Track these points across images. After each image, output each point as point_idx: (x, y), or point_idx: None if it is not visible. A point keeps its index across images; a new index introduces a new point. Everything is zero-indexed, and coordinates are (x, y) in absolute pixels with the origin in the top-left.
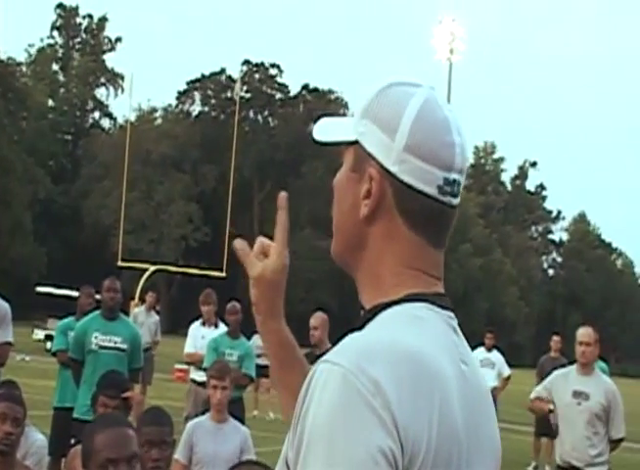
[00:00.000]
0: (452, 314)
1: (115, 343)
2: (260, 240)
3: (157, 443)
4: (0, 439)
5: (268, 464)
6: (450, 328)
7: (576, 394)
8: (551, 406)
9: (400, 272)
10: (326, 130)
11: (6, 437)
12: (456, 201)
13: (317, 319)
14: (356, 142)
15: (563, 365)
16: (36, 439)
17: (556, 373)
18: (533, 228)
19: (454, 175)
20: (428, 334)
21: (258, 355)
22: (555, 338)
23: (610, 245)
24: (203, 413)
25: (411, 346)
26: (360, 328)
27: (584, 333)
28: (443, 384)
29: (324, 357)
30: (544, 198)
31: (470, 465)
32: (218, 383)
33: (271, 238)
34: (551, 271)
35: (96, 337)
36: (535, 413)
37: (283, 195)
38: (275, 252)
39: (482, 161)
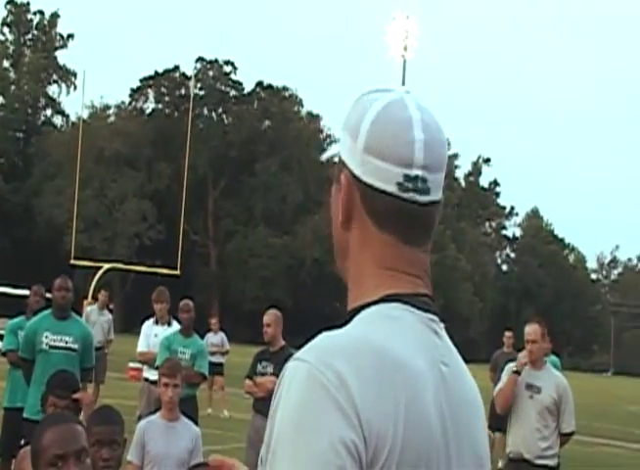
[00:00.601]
0: (434, 317)
1: (66, 342)
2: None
3: (107, 442)
4: None
5: None
6: (429, 329)
7: (529, 387)
8: (515, 368)
9: (378, 274)
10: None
11: None
12: (424, 197)
13: (270, 316)
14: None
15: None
16: None
17: (509, 365)
18: (487, 224)
19: (416, 171)
20: (400, 332)
21: (212, 353)
22: (507, 333)
23: (562, 240)
24: (154, 412)
25: (378, 342)
26: (338, 328)
27: (529, 331)
28: (413, 380)
29: (294, 356)
30: (498, 194)
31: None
32: (169, 381)
33: (225, 236)
34: (505, 267)
35: (46, 336)
36: (505, 402)
37: (213, 460)
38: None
39: None
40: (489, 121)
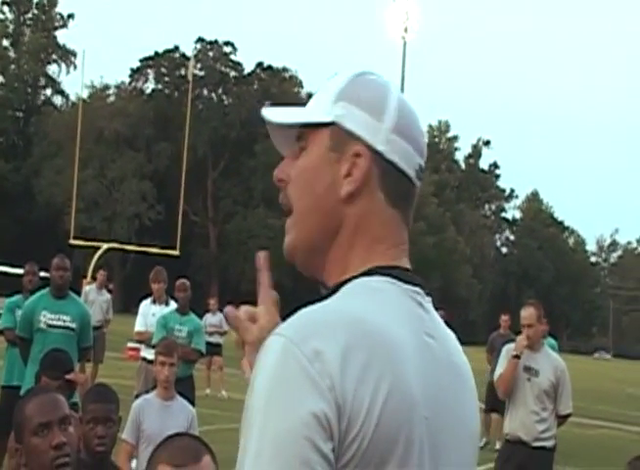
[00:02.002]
0: (419, 289)
1: (64, 322)
2: (245, 309)
3: (102, 420)
4: None
5: (219, 442)
6: (414, 302)
7: (527, 369)
8: (514, 352)
9: (369, 248)
10: (283, 113)
11: None
12: (419, 183)
13: None
14: (331, 124)
15: (512, 341)
16: None
17: (507, 347)
18: (487, 206)
19: (422, 161)
20: (381, 303)
21: (210, 334)
22: (503, 317)
23: (562, 223)
24: (151, 390)
25: (357, 313)
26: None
27: (525, 315)
28: (393, 351)
29: (272, 331)
30: (497, 176)
31: (436, 446)
32: (166, 359)
33: (225, 216)
34: (504, 249)
35: (44, 315)
36: (507, 387)
37: (261, 255)
38: (267, 312)
39: (436, 139)
40: (490, 104)
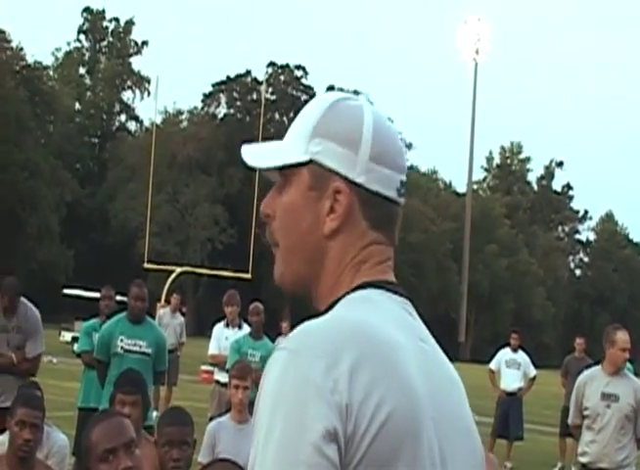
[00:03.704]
0: (407, 301)
1: (140, 347)
2: None
3: (177, 443)
4: (19, 446)
5: None
6: (405, 311)
7: (605, 396)
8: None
9: (358, 268)
10: (262, 156)
11: (25, 443)
12: (402, 199)
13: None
14: (309, 162)
15: (588, 366)
16: (58, 439)
17: (580, 379)
18: (560, 228)
19: (404, 177)
20: (376, 312)
21: None
22: (578, 340)
23: (637, 244)
24: (225, 414)
25: (356, 320)
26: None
27: (626, 340)
28: (395, 354)
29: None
30: (571, 198)
31: (443, 445)
32: (240, 383)
33: None
34: (578, 271)
35: (121, 340)
36: (576, 435)
37: None
38: None
39: (508, 161)
40: (562, 124)
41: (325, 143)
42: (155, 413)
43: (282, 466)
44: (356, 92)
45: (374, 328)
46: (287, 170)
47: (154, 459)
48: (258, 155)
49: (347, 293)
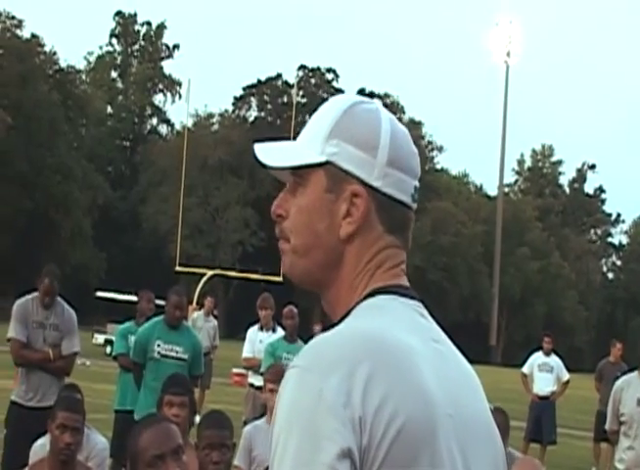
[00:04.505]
0: (419, 303)
1: (177, 352)
2: None
3: (217, 446)
4: (61, 449)
5: None
6: (417, 313)
7: None
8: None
9: (372, 273)
10: (277, 155)
11: (67, 447)
12: (415, 205)
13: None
14: (325, 163)
15: (624, 372)
16: (97, 442)
17: (617, 384)
18: (592, 231)
19: (417, 182)
20: (389, 317)
21: None
22: (618, 345)
23: None
24: (260, 417)
25: (368, 329)
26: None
27: None
28: (407, 359)
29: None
30: (603, 201)
31: (463, 441)
32: (275, 386)
33: None
34: (610, 275)
35: (158, 345)
36: (614, 441)
37: None
38: None
39: (540, 164)
40: (595, 127)
41: (342, 145)
42: (197, 417)
43: None
44: (387, 95)
45: (385, 335)
46: (301, 171)
47: (194, 462)
48: (273, 154)
49: (359, 302)
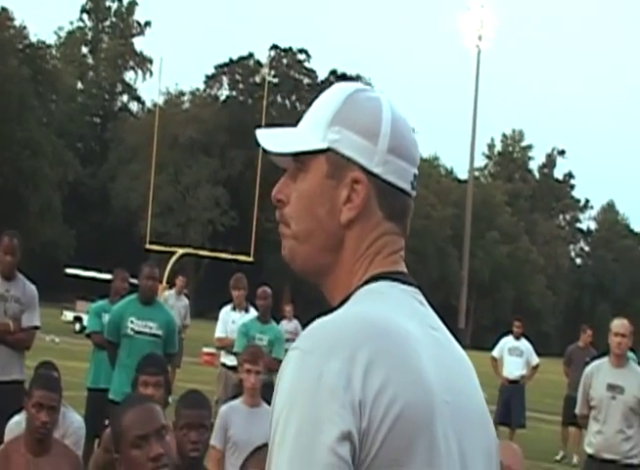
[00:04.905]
0: (417, 290)
1: (151, 328)
2: None
3: (195, 426)
4: (37, 428)
5: None
6: (415, 300)
7: (611, 387)
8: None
9: (372, 259)
10: (279, 141)
11: (43, 426)
12: (414, 192)
13: None
14: (327, 150)
15: (594, 357)
16: (74, 420)
17: (588, 369)
18: (561, 217)
19: (416, 170)
20: (388, 303)
21: (287, 340)
22: (588, 331)
23: (638, 234)
24: (233, 398)
25: (367, 314)
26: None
27: (620, 324)
28: (406, 344)
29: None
30: (572, 186)
31: (460, 427)
32: (252, 367)
33: None
34: (579, 260)
35: (132, 321)
36: (583, 425)
37: None
38: None
39: (510, 148)
40: (565, 113)
41: (344, 132)
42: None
43: (297, 468)
44: (358, 77)
45: (385, 321)
46: (303, 157)
47: (172, 442)
48: (275, 140)
49: (358, 287)
